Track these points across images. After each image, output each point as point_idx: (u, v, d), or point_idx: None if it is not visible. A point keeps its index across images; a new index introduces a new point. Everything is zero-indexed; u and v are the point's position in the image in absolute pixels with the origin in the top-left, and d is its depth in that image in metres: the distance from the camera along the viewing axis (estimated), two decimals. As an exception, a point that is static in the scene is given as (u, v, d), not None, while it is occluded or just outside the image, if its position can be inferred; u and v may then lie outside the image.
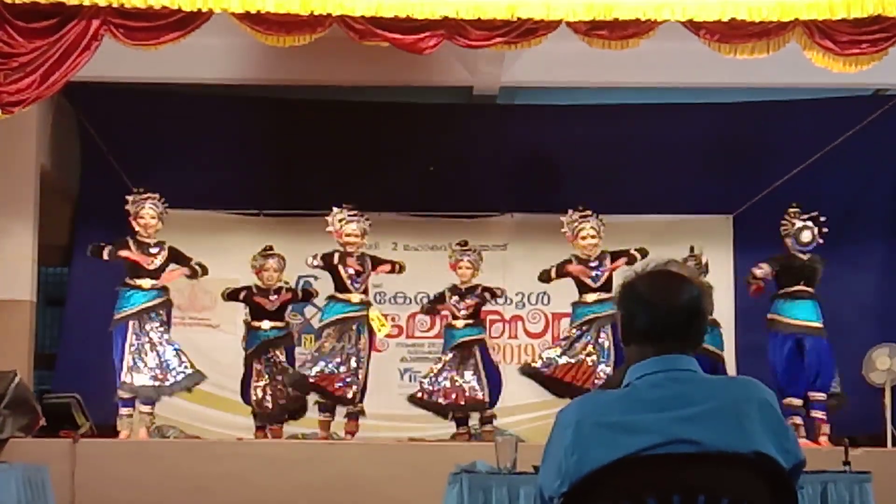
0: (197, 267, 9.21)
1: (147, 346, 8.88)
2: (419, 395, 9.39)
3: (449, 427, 9.81)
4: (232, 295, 9.71)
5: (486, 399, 9.30)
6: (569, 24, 8.30)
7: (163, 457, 8.37)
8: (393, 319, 11.27)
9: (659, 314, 2.63)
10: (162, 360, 8.87)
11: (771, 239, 10.65)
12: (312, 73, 9.99)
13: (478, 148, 11.18)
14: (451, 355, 9.37)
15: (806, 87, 10.37)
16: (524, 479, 5.79)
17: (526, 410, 10.47)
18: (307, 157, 11.07)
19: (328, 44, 8.75)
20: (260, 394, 9.37)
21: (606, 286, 9.26)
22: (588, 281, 9.33)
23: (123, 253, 9.01)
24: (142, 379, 8.80)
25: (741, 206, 11.20)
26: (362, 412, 9.19)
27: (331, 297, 9.28)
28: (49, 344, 11.52)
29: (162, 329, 8.97)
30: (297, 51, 8.72)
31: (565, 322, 9.92)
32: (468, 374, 9.30)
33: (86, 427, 8.91)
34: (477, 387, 9.28)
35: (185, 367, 8.92)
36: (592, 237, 9.33)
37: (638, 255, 9.19)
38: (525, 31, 8.35)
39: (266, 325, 9.45)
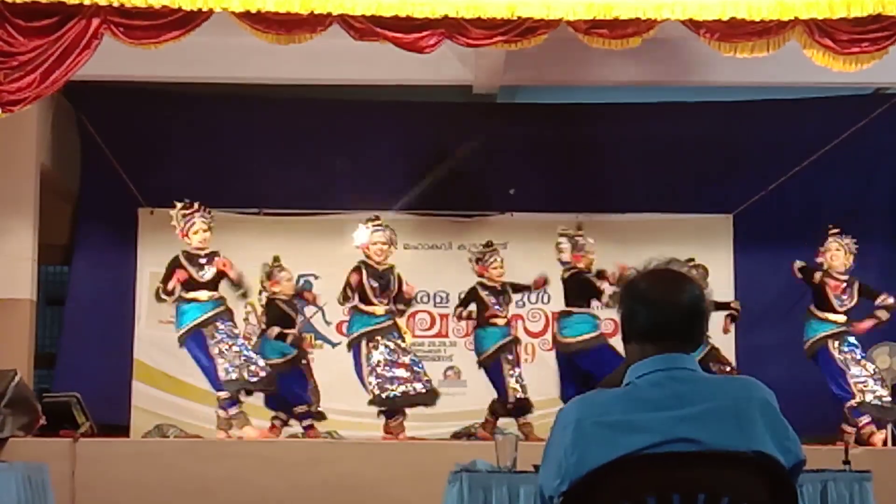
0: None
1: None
2: None
3: (448, 426, 9.85)
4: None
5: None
6: (569, 22, 8.30)
7: (163, 456, 8.36)
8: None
9: (660, 313, 2.62)
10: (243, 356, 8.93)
11: (771, 238, 10.67)
12: (312, 72, 9.99)
13: (478, 146, 11.17)
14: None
15: (806, 85, 10.36)
16: (524, 477, 5.79)
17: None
18: (307, 156, 11.07)
19: (327, 42, 8.75)
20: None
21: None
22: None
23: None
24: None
25: (741, 205, 11.20)
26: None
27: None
28: (49, 343, 11.53)
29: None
30: (297, 49, 8.72)
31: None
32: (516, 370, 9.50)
33: (86, 426, 8.91)
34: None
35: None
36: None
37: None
38: (525, 29, 8.35)
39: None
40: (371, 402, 9.02)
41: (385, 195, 11.18)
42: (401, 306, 9.32)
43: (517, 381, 9.42)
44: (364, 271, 9.16)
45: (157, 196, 11.05)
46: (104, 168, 10.84)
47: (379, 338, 9.05)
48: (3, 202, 9.66)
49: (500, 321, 9.55)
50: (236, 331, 9.08)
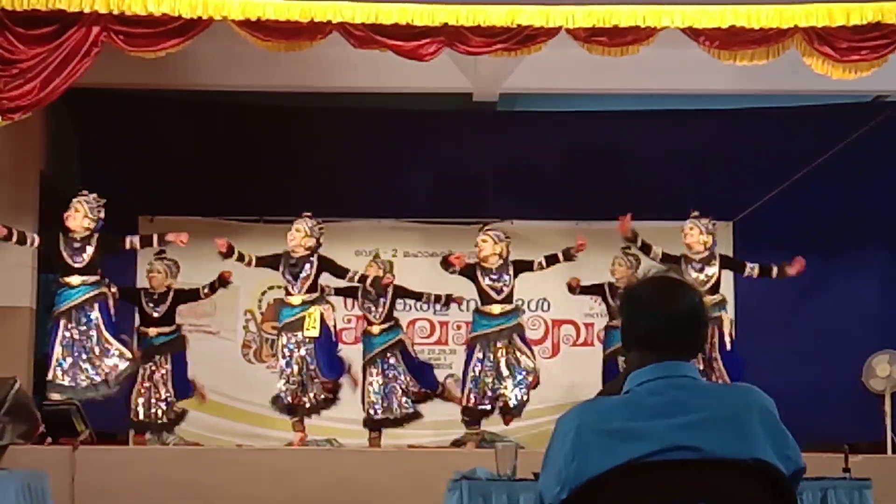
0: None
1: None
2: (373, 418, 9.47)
3: (448, 433, 9.84)
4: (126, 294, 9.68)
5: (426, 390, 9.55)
6: (568, 30, 8.31)
7: (162, 464, 8.35)
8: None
9: (660, 320, 2.62)
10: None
11: (771, 245, 10.65)
12: (311, 80, 10.00)
13: (477, 154, 11.18)
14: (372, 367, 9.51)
15: (805, 93, 10.38)
16: (524, 485, 5.79)
17: (526, 417, 10.46)
18: (308, 164, 11.06)
19: (328, 50, 8.76)
20: (138, 400, 9.38)
21: (509, 298, 9.32)
22: (492, 293, 9.32)
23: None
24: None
25: (741, 212, 11.20)
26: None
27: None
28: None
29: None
30: (297, 57, 8.73)
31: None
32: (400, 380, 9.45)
33: (85, 434, 8.90)
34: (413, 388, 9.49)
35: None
36: (484, 241, 9.41)
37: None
38: (525, 37, 8.36)
39: (152, 331, 9.48)
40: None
41: (386, 203, 11.18)
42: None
43: (378, 391, 9.42)
44: (282, 263, 9.20)
45: (156, 203, 11.06)
46: (104, 175, 10.82)
47: (289, 334, 9.11)
48: (4, 210, 9.66)
49: (374, 329, 9.58)
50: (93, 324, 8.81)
